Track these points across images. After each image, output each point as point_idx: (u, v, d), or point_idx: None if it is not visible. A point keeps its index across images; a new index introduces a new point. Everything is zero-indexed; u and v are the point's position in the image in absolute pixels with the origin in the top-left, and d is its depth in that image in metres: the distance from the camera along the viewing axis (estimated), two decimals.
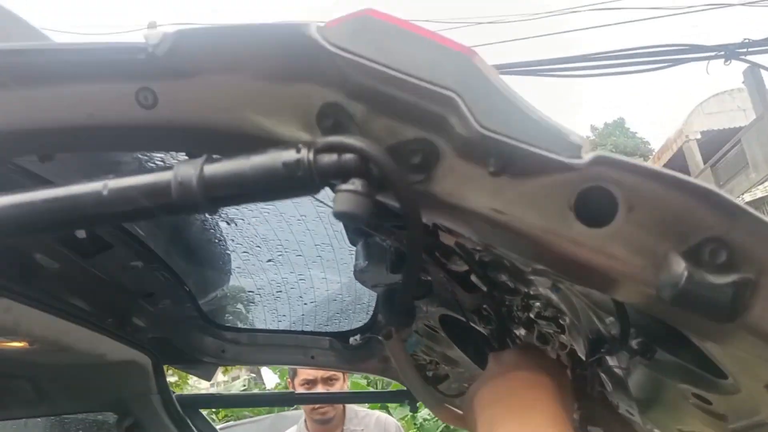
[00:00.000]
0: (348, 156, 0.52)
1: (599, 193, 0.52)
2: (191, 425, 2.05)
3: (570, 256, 0.55)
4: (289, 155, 0.52)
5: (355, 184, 0.51)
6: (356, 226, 1.33)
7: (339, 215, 0.51)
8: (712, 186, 0.50)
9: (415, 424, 12.21)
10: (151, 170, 0.54)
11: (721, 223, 0.50)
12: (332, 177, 0.53)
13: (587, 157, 0.50)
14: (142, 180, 0.54)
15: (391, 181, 0.52)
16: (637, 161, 0.51)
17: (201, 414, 2.20)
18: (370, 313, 2.05)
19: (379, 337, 2.06)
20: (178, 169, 0.53)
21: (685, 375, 0.76)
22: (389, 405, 11.46)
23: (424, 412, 12.41)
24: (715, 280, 0.49)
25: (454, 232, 0.87)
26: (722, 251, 0.49)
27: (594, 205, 0.53)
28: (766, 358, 0.54)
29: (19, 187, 0.56)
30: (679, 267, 0.50)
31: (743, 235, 0.50)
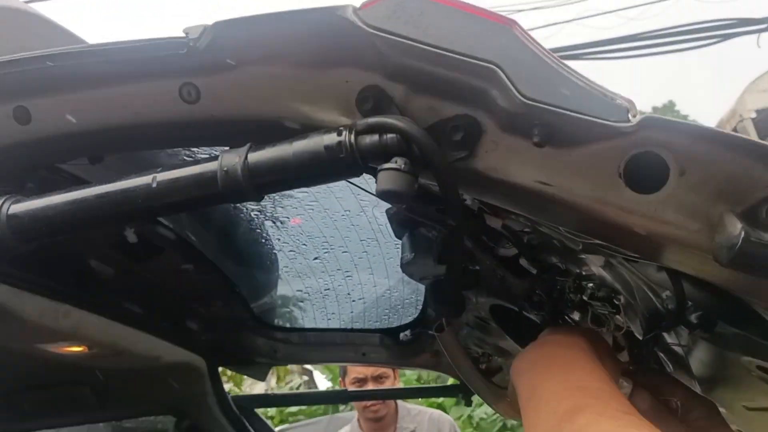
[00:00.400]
0: (389, 136, 0.52)
1: (649, 158, 0.51)
2: (247, 425, 2.08)
3: (621, 225, 0.53)
4: (331, 138, 0.53)
5: (397, 162, 0.51)
6: (401, 217, 1.33)
7: (382, 194, 0.51)
8: (765, 143, 0.48)
9: (471, 423, 12.13)
10: (197, 162, 0.55)
11: None
12: (374, 158, 0.53)
13: (635, 120, 0.48)
14: (189, 171, 0.55)
15: (429, 159, 0.51)
16: (688, 122, 0.49)
17: (257, 414, 2.23)
18: (420, 307, 2.05)
19: (431, 332, 2.06)
20: (223, 158, 0.54)
21: (748, 347, 0.73)
22: (446, 405, 11.41)
23: (480, 411, 12.30)
24: None
25: (501, 214, 0.86)
26: None
27: (644, 171, 0.51)
28: None
29: None
30: (736, 228, 0.48)
31: None
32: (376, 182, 0.52)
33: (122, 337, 1.49)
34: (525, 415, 0.60)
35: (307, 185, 0.57)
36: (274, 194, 1.36)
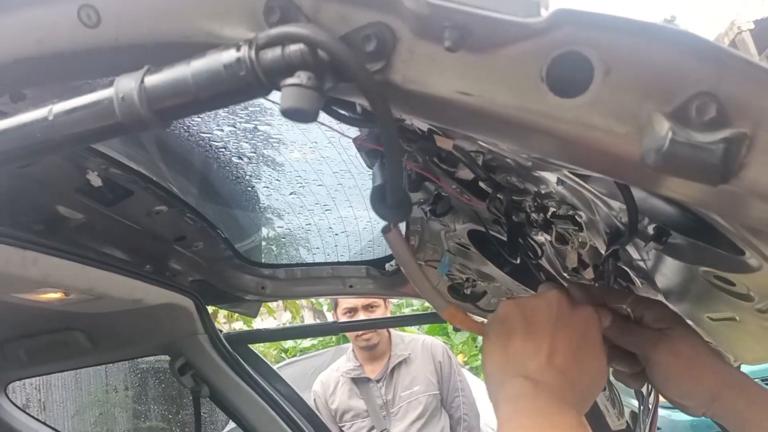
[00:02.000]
0: (292, 48, 0.48)
1: (573, 59, 0.47)
2: (241, 360, 2.11)
3: (549, 134, 0.50)
4: (229, 55, 0.49)
5: (300, 77, 0.47)
6: (368, 149, 1.29)
7: (286, 112, 0.47)
8: (696, 33, 0.44)
9: (476, 346, 12.41)
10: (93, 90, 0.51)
11: (709, 74, 0.44)
12: (279, 74, 0.49)
13: (546, 14, 0.44)
14: (85, 100, 0.52)
15: (343, 66, 0.47)
16: (610, 14, 0.45)
17: (250, 349, 2.26)
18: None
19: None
20: (118, 83, 0.50)
21: (702, 257, 0.71)
22: (449, 330, 11.65)
23: (459, 337, 12.54)
24: (704, 138, 0.44)
25: (450, 134, 0.83)
26: (711, 105, 0.44)
27: (568, 73, 0.47)
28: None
29: None
30: (663, 128, 0.44)
31: (735, 86, 0.44)
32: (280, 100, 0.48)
33: (99, 280, 1.48)
34: None
35: (214, 108, 0.53)
36: (235, 130, 1.33)
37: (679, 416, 4.71)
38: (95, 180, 1.36)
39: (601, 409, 0.95)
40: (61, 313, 1.68)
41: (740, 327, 0.82)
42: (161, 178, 1.53)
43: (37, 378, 4.87)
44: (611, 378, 0.97)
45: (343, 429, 3.25)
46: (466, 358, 11.43)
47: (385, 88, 0.52)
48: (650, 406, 0.96)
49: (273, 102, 0.99)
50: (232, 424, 3.66)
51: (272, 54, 0.49)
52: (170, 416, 5.52)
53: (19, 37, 0.60)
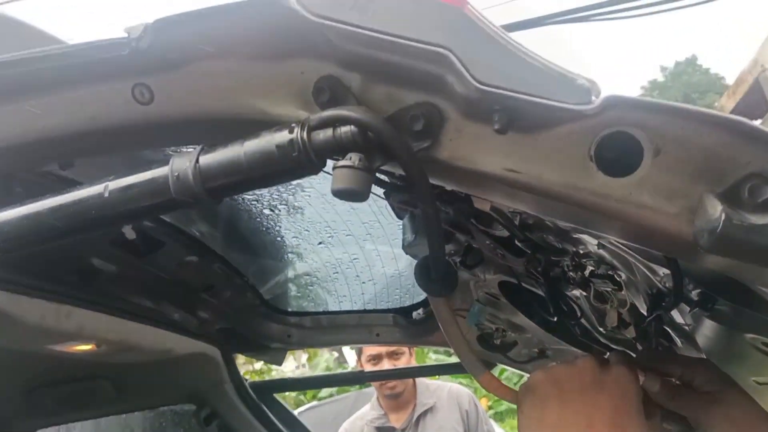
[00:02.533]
0: (344, 129, 0.49)
1: (621, 139, 0.47)
2: (266, 410, 2.09)
3: (597, 210, 0.50)
4: (282, 137, 0.50)
5: (351, 159, 0.48)
6: (396, 204, 1.30)
7: (337, 193, 0.48)
8: (745, 119, 0.45)
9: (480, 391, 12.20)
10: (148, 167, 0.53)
11: (760, 156, 0.44)
12: (330, 153, 0.50)
13: (597, 101, 0.45)
14: (140, 178, 0.53)
15: (390, 147, 0.48)
16: (656, 100, 0.45)
17: (275, 398, 2.24)
18: None
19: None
20: (173, 162, 0.52)
21: (750, 324, 0.70)
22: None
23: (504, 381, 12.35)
24: (758, 220, 0.44)
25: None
26: (764, 187, 0.44)
27: (616, 153, 0.48)
28: None
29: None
30: (716, 210, 0.44)
31: None
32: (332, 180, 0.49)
33: (130, 332, 1.49)
34: None
35: (264, 186, 0.54)
36: None
37: None
38: (129, 233, 1.38)
39: None
40: (90, 363, 1.69)
41: None
42: (192, 228, 1.55)
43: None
44: None
45: None
46: (490, 403, 11.22)
47: (430, 167, 0.53)
48: None
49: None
50: None
51: (323, 135, 0.50)
52: None
53: (74, 112, 0.62)
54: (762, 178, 0.44)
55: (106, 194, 0.53)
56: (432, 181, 0.57)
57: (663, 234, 0.49)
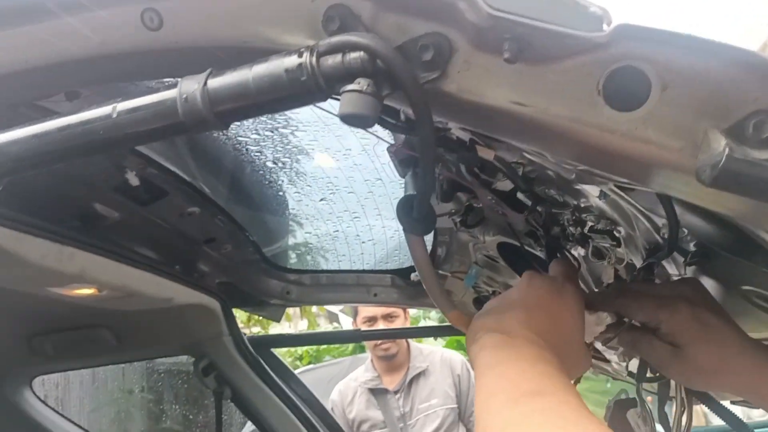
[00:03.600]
0: (353, 55, 0.50)
1: (630, 73, 0.48)
2: (263, 364, 2.12)
3: (602, 146, 0.51)
4: (292, 61, 0.50)
5: (360, 83, 0.48)
6: (403, 155, 1.30)
7: (345, 117, 0.48)
8: (758, 52, 0.45)
9: None
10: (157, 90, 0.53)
11: None
12: (338, 80, 0.50)
13: (609, 29, 0.45)
14: (149, 100, 0.53)
15: (398, 76, 0.48)
16: (669, 30, 0.45)
17: (273, 353, 2.27)
18: (429, 247, 2.04)
19: (440, 272, 2.06)
20: (182, 85, 0.52)
21: (746, 275, 0.70)
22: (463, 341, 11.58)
23: None
24: (760, 155, 0.44)
25: (493, 144, 0.83)
26: None
27: (625, 87, 0.48)
28: None
29: None
30: (720, 144, 0.45)
31: None
32: (339, 105, 0.50)
33: (132, 278, 1.50)
34: (482, 384, 0.60)
35: (272, 111, 0.55)
36: (272, 134, 1.35)
37: None
38: (133, 179, 1.38)
39: (632, 425, 0.94)
40: (91, 309, 1.71)
41: None
42: (195, 179, 1.55)
43: (58, 375, 4.94)
44: (641, 394, 0.97)
45: None
46: None
47: (437, 101, 0.53)
48: (683, 426, 0.95)
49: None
50: (249, 427, 3.67)
51: (333, 61, 0.50)
52: (190, 416, 5.55)
53: (83, 37, 0.62)
54: (767, 114, 0.45)
55: (115, 115, 0.54)
56: (438, 116, 0.57)
57: (666, 170, 0.49)
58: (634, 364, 1.01)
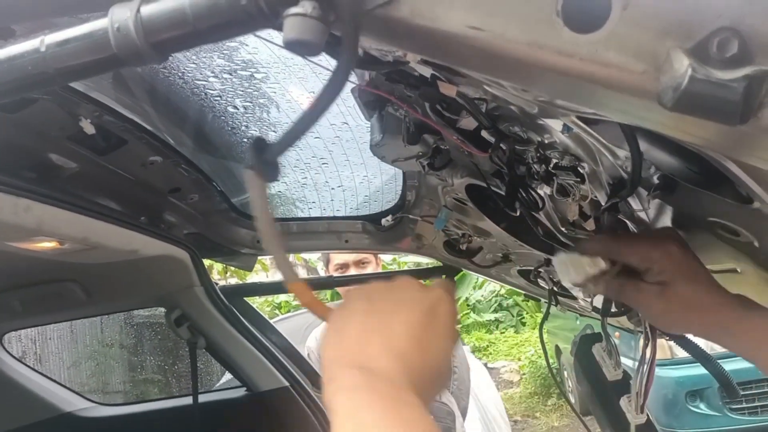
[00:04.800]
0: None
1: None
2: (236, 312, 2.12)
3: (561, 71, 0.48)
4: None
5: (304, 6, 0.45)
6: (368, 97, 1.27)
7: (289, 44, 0.45)
8: None
9: (468, 305, 12.61)
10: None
11: (733, 8, 0.42)
12: (282, 3, 0.47)
13: None
14: (79, 31, 0.49)
15: None
16: None
17: (245, 302, 2.27)
18: (399, 193, 2.03)
19: (410, 216, 2.05)
20: (113, 13, 0.48)
21: (710, 207, 0.70)
22: None
23: (477, 294, 12.79)
24: (724, 75, 0.42)
25: (454, 80, 0.81)
26: (733, 41, 0.42)
27: (584, 7, 0.45)
28: None
29: None
30: (682, 65, 0.43)
31: (759, 21, 0.42)
32: (283, 32, 0.46)
33: (94, 230, 1.46)
34: None
35: (213, 40, 0.51)
36: (231, 78, 1.30)
37: (666, 372, 4.80)
38: (88, 128, 1.33)
39: (598, 359, 0.96)
40: (56, 264, 1.67)
41: (741, 279, 0.82)
42: (155, 128, 1.50)
43: (34, 331, 4.91)
44: (608, 329, 0.98)
45: None
46: (458, 317, 11.59)
47: (389, 28, 0.50)
48: (647, 358, 0.96)
49: (271, 42, 0.96)
50: (227, 376, 3.71)
51: None
52: (166, 367, 5.59)
53: None
54: (731, 32, 0.42)
55: (43, 48, 0.50)
56: (392, 45, 0.54)
57: (628, 95, 0.48)
58: (598, 300, 1.02)
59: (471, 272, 2.20)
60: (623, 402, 0.92)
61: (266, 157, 0.57)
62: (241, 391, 2.23)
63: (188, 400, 2.22)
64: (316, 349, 3.33)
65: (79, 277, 1.88)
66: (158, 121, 1.50)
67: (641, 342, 0.98)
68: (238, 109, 1.44)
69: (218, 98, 1.38)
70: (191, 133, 1.63)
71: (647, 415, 0.92)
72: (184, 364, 5.38)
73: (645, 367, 0.92)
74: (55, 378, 2.60)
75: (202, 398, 2.24)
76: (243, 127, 1.57)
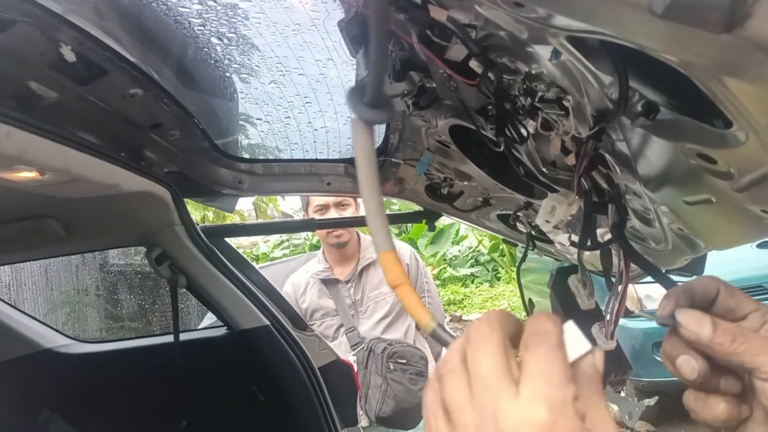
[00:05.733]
0: None
1: None
2: (217, 252, 2.13)
3: None
4: None
5: None
6: (354, 30, 1.26)
7: None
8: None
9: (445, 260, 12.78)
10: None
11: None
12: None
13: None
14: None
15: None
16: None
17: (226, 242, 2.28)
18: (382, 136, 2.03)
19: (393, 159, 2.06)
20: None
21: (689, 133, 0.72)
22: (421, 245, 11.94)
23: (454, 249, 12.95)
24: None
25: (446, 3, 0.81)
26: None
27: None
28: None
29: None
30: None
31: None
32: None
33: (75, 162, 1.45)
34: None
35: None
36: (215, 5, 1.28)
37: (634, 324, 4.96)
38: (69, 55, 1.31)
39: (573, 290, 1.00)
40: (36, 197, 1.66)
41: (715, 209, 0.85)
42: (138, 58, 1.48)
43: (8, 276, 4.87)
44: (583, 261, 1.01)
45: (313, 327, 3.36)
46: (435, 271, 11.77)
47: None
48: (619, 290, 1.00)
49: None
50: (209, 318, 3.74)
51: None
52: (146, 306, 5.61)
53: None
54: None
55: None
56: None
57: (619, 5, 0.49)
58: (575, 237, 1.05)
59: (451, 218, 2.23)
60: (595, 329, 0.96)
61: (367, 100, 0.58)
62: (222, 330, 2.27)
63: (169, 338, 2.24)
64: (293, 293, 3.37)
65: (58, 213, 1.87)
66: (138, 51, 1.48)
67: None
68: (221, 41, 1.42)
69: (201, 27, 1.36)
70: (173, 65, 1.60)
71: (617, 342, 0.96)
72: (166, 317, 5.40)
73: (617, 296, 0.95)
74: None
75: (184, 336, 2.27)
76: (226, 61, 1.55)
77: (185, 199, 2.12)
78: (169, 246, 2.04)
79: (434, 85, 1.36)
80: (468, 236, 12.60)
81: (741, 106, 0.58)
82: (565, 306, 1.12)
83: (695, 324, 0.59)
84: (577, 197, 0.99)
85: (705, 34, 0.46)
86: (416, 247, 11.24)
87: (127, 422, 2.37)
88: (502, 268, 11.93)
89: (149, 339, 2.54)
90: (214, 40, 1.42)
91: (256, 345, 2.16)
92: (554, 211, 0.99)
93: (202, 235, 2.10)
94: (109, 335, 5.88)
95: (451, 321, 10.13)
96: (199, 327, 4.33)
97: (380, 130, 2.00)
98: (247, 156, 2.16)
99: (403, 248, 3.43)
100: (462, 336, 0.52)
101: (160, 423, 2.28)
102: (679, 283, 0.73)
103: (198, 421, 2.22)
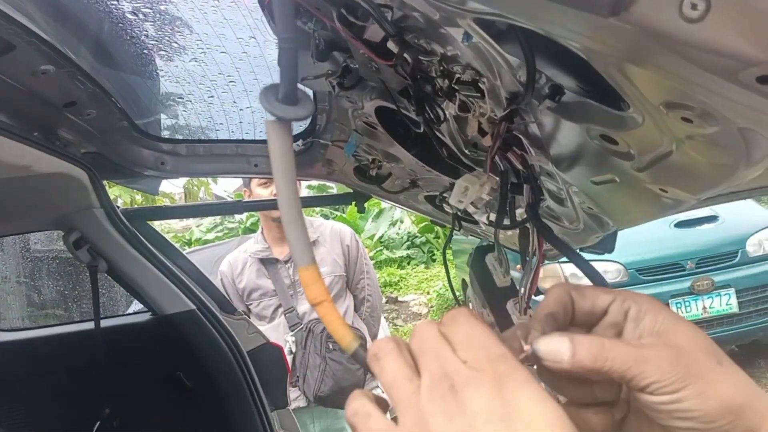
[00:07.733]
0: None
1: None
2: (139, 235, 2.07)
3: None
4: None
5: None
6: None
7: None
8: None
9: (381, 242, 12.85)
10: None
11: None
12: None
13: None
14: None
15: None
16: None
17: (149, 226, 2.22)
18: (310, 117, 2.01)
19: (321, 141, 2.05)
20: None
21: (590, 115, 0.75)
22: (359, 225, 11.96)
23: (392, 231, 13.03)
24: None
25: None
26: None
27: None
28: (658, 63, 0.51)
29: None
30: None
31: None
32: None
33: None
34: None
35: None
36: None
37: None
38: None
39: (489, 268, 1.03)
40: None
41: (619, 189, 0.89)
42: (48, 34, 1.40)
43: None
44: (499, 240, 1.04)
45: (251, 307, 3.33)
46: (371, 253, 11.83)
47: None
48: (532, 266, 1.04)
49: None
50: (137, 304, 3.64)
51: None
52: (70, 293, 5.40)
53: None
54: None
55: None
56: None
57: None
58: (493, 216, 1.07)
59: (383, 202, 2.24)
60: (509, 305, 0.99)
61: (280, 97, 0.54)
62: (146, 316, 2.21)
63: (90, 325, 2.17)
64: (230, 273, 3.33)
65: None
66: (48, 26, 1.40)
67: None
68: (137, 16, 1.37)
69: (114, 2, 1.30)
70: (88, 42, 1.53)
71: (530, 316, 0.99)
72: (91, 303, 5.21)
73: (530, 273, 0.99)
74: None
75: (106, 323, 2.20)
76: (143, 37, 1.49)
77: (105, 181, 2.05)
78: (88, 230, 1.97)
79: (357, 65, 1.36)
80: (404, 220, 12.71)
81: (635, 90, 0.60)
82: (483, 283, 1.15)
83: (553, 353, 0.52)
84: (488, 178, 1.01)
85: (595, 18, 0.47)
86: (355, 228, 11.24)
87: (49, 411, 2.29)
88: (437, 250, 12.10)
89: (70, 326, 2.45)
90: (129, 15, 1.36)
91: (182, 330, 2.11)
92: (467, 192, 1.01)
93: (123, 218, 2.04)
94: (31, 323, 5.63)
95: (387, 302, 10.23)
96: (126, 312, 4.21)
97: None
98: (169, 136, 2.10)
99: (344, 229, 3.43)
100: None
101: (82, 411, 2.20)
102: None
103: (122, 408, 2.16)
